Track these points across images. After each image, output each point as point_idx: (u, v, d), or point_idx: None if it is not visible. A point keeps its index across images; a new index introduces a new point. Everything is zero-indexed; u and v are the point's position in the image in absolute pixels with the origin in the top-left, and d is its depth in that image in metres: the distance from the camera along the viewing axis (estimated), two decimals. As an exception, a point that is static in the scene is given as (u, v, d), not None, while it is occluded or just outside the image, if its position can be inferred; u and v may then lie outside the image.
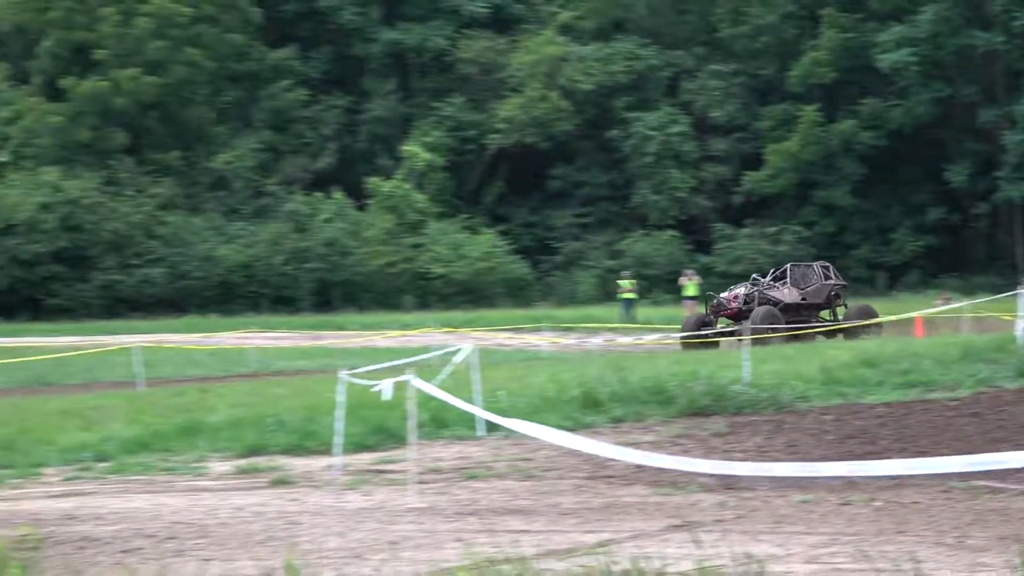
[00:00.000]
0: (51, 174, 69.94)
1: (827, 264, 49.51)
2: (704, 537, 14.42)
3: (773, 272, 48.02)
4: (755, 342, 37.50)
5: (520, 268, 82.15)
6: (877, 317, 45.69)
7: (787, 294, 45.57)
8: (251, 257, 69.22)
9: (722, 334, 43.87)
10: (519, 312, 66.79)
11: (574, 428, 22.39)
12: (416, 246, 78.01)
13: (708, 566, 12.28)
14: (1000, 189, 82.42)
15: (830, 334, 44.56)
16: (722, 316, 45.88)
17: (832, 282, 47.20)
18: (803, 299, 45.77)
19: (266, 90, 74.90)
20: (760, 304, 44.96)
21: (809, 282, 46.43)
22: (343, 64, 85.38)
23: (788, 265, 48.61)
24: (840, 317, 46.30)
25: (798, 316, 44.84)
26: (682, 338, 44.50)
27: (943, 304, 50.78)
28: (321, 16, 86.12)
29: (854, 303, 49.73)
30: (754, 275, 49.30)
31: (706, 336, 44.17)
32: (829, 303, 46.53)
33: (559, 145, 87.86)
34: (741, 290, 46.25)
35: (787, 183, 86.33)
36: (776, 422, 23.14)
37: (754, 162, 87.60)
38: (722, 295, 47.06)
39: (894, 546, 14.26)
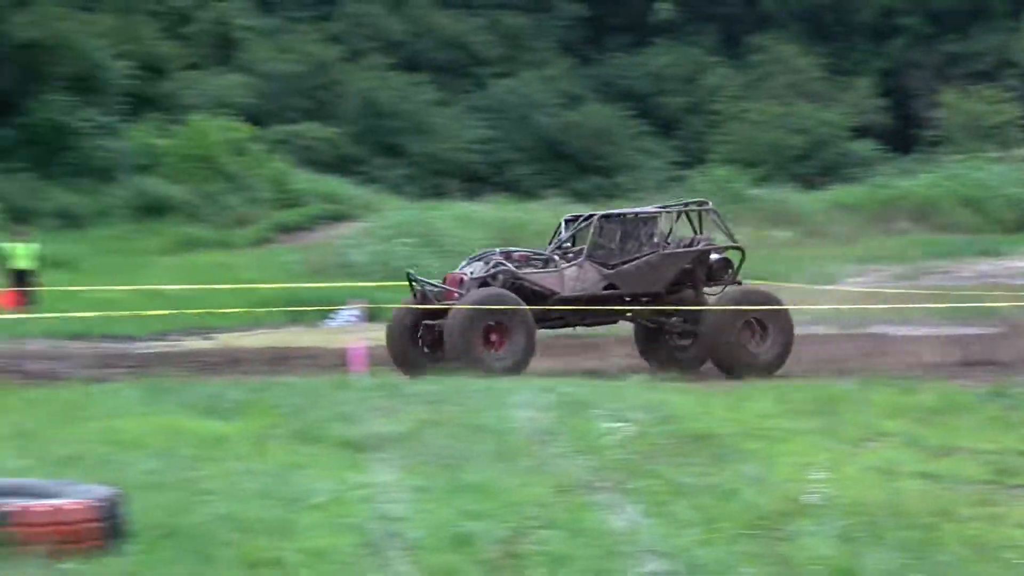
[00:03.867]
0: None
1: (709, 206, 19.90)
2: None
3: (571, 225, 19.57)
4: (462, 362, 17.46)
5: None
6: (784, 316, 18.50)
7: (570, 277, 18.51)
8: None
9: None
10: None
11: None
12: None
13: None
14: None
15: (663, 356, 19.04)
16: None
17: (692, 248, 18.86)
18: (608, 286, 18.60)
19: None
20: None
21: (632, 250, 18.84)
22: None
23: (596, 216, 19.54)
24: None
25: (587, 316, 18.81)
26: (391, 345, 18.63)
27: None
28: None
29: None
30: (568, 218, 20.08)
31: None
32: (680, 287, 19.02)
33: None
34: (474, 268, 18.73)
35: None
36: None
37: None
38: (425, 283, 18.85)
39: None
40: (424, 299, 18.36)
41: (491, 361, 17.49)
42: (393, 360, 18.45)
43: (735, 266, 19.00)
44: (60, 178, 43.13)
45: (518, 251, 19.29)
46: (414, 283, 18.52)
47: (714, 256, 18.95)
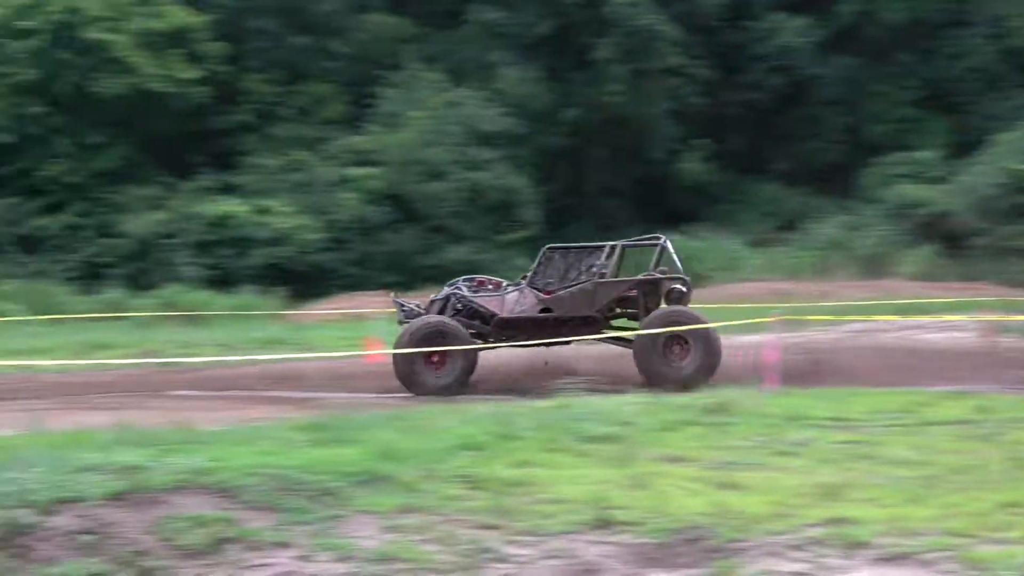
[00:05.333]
0: None
1: (658, 239, 19.19)
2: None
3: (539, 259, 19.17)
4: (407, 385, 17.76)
5: None
6: (709, 337, 17.75)
7: (510, 301, 18.69)
8: None
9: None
10: None
11: None
12: None
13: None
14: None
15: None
16: None
17: (628, 278, 18.78)
18: (544, 309, 18.48)
19: None
20: (467, 316, 18.62)
21: (572, 278, 18.63)
22: None
23: (545, 248, 19.32)
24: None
25: (533, 335, 18.54)
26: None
27: None
28: None
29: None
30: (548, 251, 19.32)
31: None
32: (620, 308, 18.81)
33: None
34: (444, 291, 19.20)
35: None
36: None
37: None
38: (410, 303, 19.27)
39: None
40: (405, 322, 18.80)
41: (431, 380, 17.84)
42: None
43: (689, 295, 18.76)
44: None
45: (489, 279, 19.66)
46: (397, 306, 19.21)
47: (676, 286, 18.67)
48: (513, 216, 40.38)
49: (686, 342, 17.96)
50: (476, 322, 18.65)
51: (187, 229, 37.44)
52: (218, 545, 8.33)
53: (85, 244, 38.79)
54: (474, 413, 13.01)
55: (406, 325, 18.40)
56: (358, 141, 41.31)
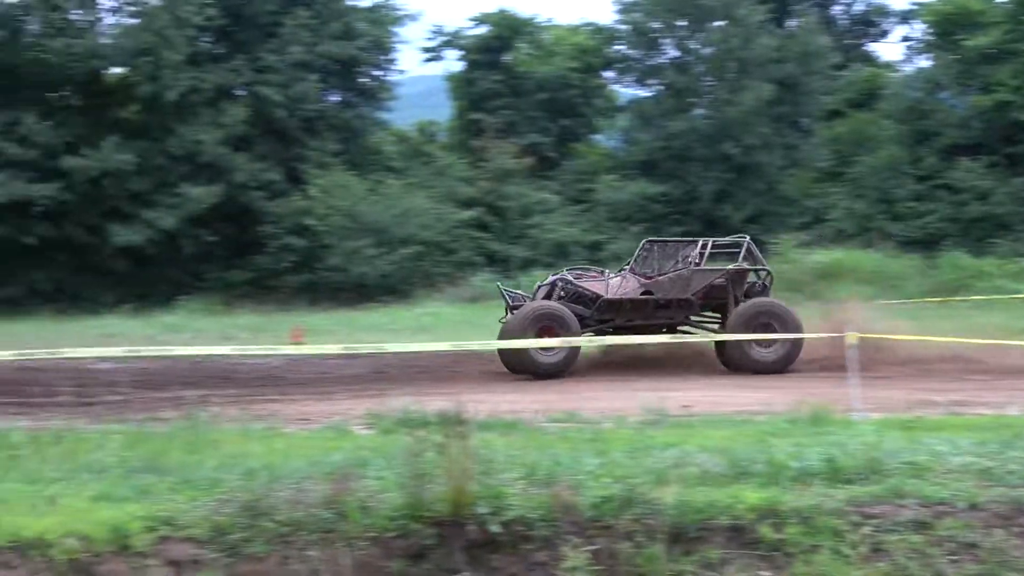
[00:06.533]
0: None
1: (743, 238, 21.02)
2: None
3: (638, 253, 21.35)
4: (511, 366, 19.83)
5: None
6: (794, 325, 19.45)
7: (614, 285, 20.57)
8: None
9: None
10: None
11: None
12: None
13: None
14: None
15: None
16: None
17: (718, 268, 20.64)
18: (645, 292, 20.37)
19: None
20: (571, 300, 20.21)
21: (670, 267, 20.64)
22: None
23: (644, 241, 21.71)
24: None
25: (632, 317, 20.13)
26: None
27: None
28: None
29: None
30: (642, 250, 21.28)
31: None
32: (707, 298, 20.40)
33: None
34: (550, 279, 21.11)
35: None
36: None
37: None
38: (516, 292, 21.49)
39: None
40: (513, 308, 20.37)
41: (540, 359, 19.25)
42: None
43: (770, 286, 20.61)
44: None
45: (590, 268, 22.67)
46: (503, 295, 20.98)
47: (762, 276, 20.70)
48: None
49: (774, 331, 19.21)
50: (579, 306, 20.11)
51: None
52: None
53: None
54: None
55: (517, 312, 19.82)
56: None
